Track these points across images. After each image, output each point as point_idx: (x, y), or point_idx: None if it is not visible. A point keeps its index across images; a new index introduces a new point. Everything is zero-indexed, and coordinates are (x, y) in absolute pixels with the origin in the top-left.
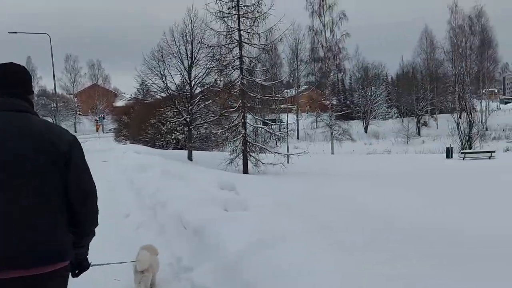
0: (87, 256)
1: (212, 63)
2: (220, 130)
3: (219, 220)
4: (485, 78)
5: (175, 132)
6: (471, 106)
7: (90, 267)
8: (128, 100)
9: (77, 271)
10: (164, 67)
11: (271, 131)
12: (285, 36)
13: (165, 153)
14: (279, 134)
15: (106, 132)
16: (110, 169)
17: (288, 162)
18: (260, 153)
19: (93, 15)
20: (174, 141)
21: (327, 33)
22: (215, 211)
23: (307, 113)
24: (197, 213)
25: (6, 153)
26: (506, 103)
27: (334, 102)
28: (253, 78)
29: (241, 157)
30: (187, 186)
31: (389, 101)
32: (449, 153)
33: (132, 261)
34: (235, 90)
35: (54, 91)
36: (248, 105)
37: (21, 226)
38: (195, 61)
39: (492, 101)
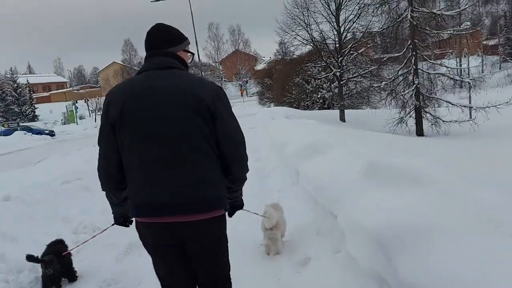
0: (242, 197)
1: None
2: (384, 82)
3: None
4: None
5: (321, 90)
6: None
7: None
8: (268, 63)
9: (232, 211)
10: (308, 15)
11: (458, 78)
12: None
13: (316, 114)
14: (469, 81)
15: (250, 96)
16: (260, 141)
17: (471, 117)
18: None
19: None
20: (321, 101)
21: None
22: None
23: (465, 56)
24: None
25: (157, 108)
26: None
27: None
28: (428, 9)
29: (413, 115)
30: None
31: None
32: None
33: (263, 216)
34: (404, 28)
35: (198, 59)
36: (423, 45)
37: (179, 174)
38: (344, 1)
39: None
